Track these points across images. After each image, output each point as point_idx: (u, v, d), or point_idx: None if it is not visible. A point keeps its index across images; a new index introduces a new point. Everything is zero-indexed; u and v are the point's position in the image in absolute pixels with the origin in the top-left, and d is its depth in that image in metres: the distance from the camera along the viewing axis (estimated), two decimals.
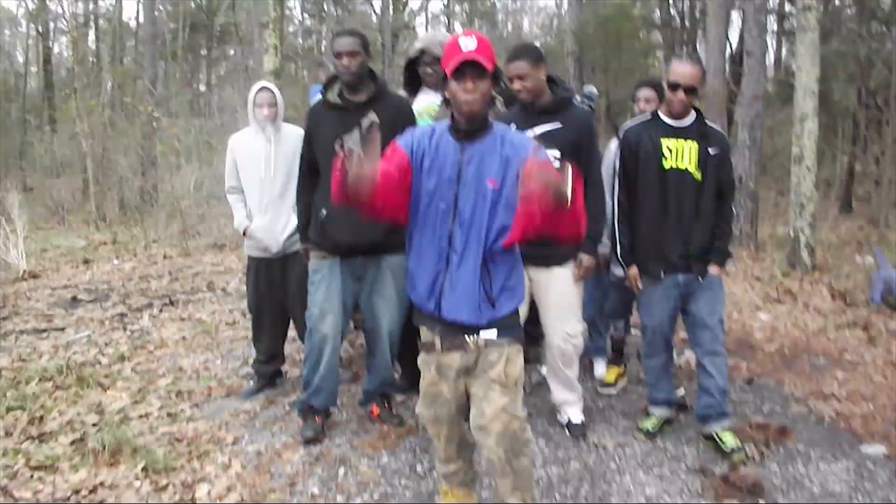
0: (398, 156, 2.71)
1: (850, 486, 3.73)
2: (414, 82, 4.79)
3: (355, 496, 3.62)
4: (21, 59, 35.50)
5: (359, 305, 4.33)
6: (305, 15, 32.85)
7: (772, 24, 20.95)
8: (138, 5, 28.63)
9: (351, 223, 3.84)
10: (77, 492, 3.62)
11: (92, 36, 31.00)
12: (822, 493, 3.65)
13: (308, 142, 4.23)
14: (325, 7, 30.16)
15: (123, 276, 9.47)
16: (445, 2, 31.17)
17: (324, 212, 4.03)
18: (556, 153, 3.90)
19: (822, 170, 17.02)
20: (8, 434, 4.35)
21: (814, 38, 8.81)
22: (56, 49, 32.27)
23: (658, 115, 4.15)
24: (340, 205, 2.58)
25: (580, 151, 4.02)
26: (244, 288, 5.64)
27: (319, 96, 4.31)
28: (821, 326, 6.60)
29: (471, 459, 3.24)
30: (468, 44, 2.67)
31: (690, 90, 3.95)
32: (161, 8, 26.85)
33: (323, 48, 29.20)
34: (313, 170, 4.18)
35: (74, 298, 8.12)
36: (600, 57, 21.17)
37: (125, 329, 6.83)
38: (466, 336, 2.81)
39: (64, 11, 27.94)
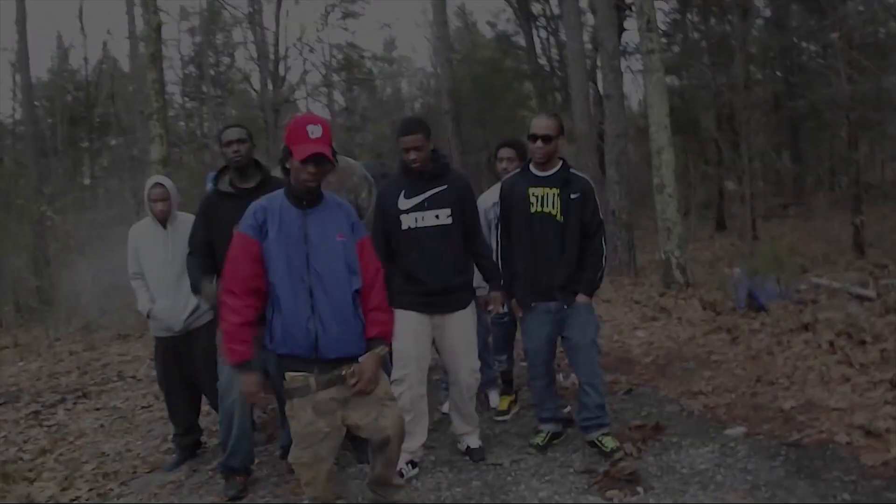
0: (250, 250, 3.30)
1: (715, 463, 4.28)
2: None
3: None
4: None
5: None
6: (185, 98, 32.99)
7: (637, 63, 22.23)
8: (14, 103, 28.34)
9: None
10: None
11: None
12: (691, 473, 4.19)
13: (203, 226, 4.60)
14: (205, 88, 30.36)
15: (31, 375, 9.57)
16: (323, 73, 31.73)
17: (214, 283, 4.40)
18: (448, 210, 4.49)
19: (698, 193, 18.11)
20: None
21: (660, 78, 9.66)
22: None
23: (528, 167, 4.72)
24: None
25: (464, 208, 4.59)
26: (154, 373, 5.94)
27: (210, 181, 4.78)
28: (691, 335, 7.28)
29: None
30: (315, 133, 3.28)
31: (546, 139, 4.52)
32: (37, 103, 26.72)
33: (205, 130, 29.42)
34: (208, 251, 4.55)
35: None
36: (476, 112, 22.02)
37: (41, 425, 7.02)
38: (345, 370, 3.33)
39: None
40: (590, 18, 18.33)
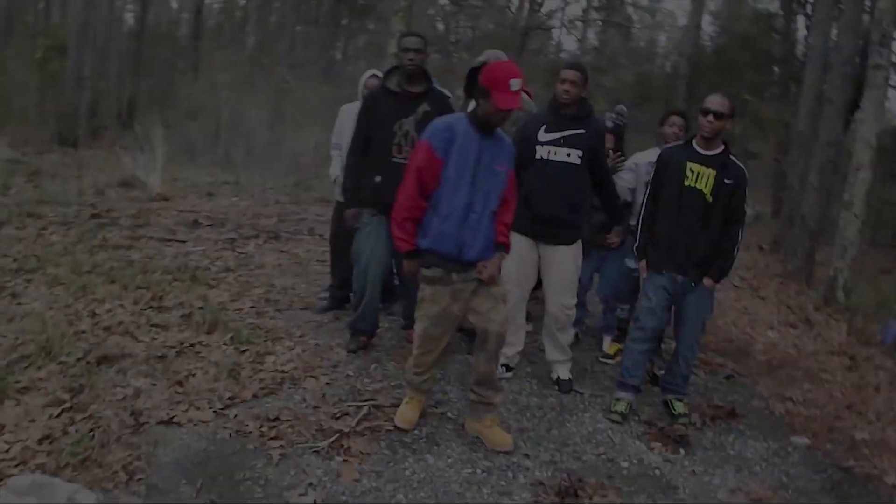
0: (434, 165, 3.97)
1: (762, 458, 4.65)
2: (472, 89, 5.66)
3: (376, 383, 4.92)
4: (175, 6, 37.97)
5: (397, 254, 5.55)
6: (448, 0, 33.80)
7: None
8: None
9: (398, 188, 5.07)
10: (181, 343, 5.00)
11: None
12: (735, 457, 4.61)
13: (366, 119, 5.25)
14: None
15: (239, 210, 10.91)
16: (584, 8, 31.67)
17: (377, 178, 5.12)
18: (580, 153, 5.03)
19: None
20: (135, 303, 5.75)
21: (880, 95, 9.56)
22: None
23: (692, 142, 5.00)
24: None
25: (596, 154, 5.13)
26: None
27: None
28: (815, 350, 7.39)
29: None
30: (515, 85, 3.90)
31: (718, 115, 4.75)
32: None
33: (458, 35, 30.30)
34: (367, 142, 5.23)
35: (196, 221, 9.59)
36: (712, 84, 21.61)
37: (233, 250, 8.25)
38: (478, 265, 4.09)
39: None
40: None
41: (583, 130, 5.09)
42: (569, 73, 5.06)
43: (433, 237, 4.01)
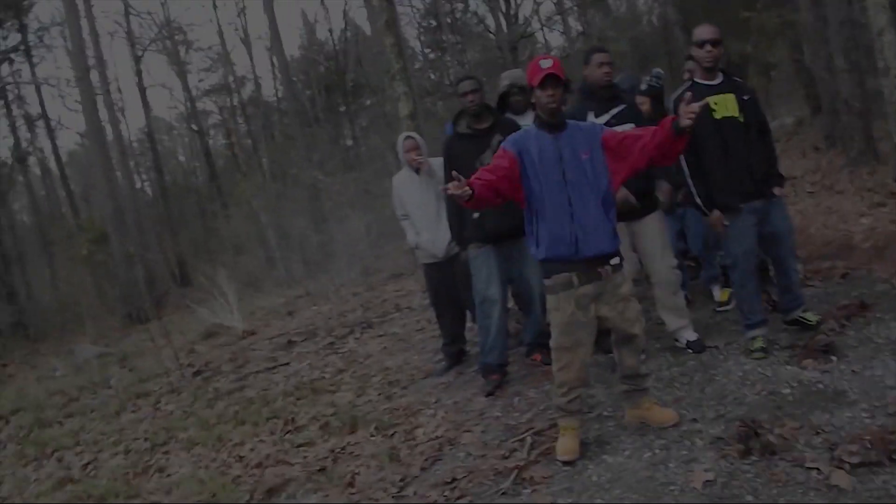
0: (508, 157, 3.96)
1: None
2: (503, 110, 5.93)
3: (525, 413, 4.91)
4: (183, 158, 39.12)
5: (510, 279, 5.60)
6: (427, 50, 34.28)
7: None
8: (275, 83, 31.03)
9: (496, 215, 5.20)
10: (332, 451, 5.04)
11: (241, 121, 33.83)
12: (886, 343, 4.57)
13: (449, 165, 5.43)
14: (444, 37, 31.49)
15: (323, 316, 11.05)
16: (555, 1, 31.86)
17: (475, 214, 5.30)
18: (632, 125, 5.03)
19: None
20: (272, 434, 5.83)
21: None
22: (212, 143, 35.26)
23: (695, 81, 5.05)
24: (468, 207, 3.95)
25: (641, 122, 5.18)
26: (425, 302, 6.97)
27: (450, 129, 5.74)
28: None
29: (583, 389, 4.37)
30: (546, 63, 4.00)
31: (715, 42, 4.89)
32: (294, 79, 29.15)
33: (450, 77, 30.62)
34: None
35: (289, 342, 9.71)
36: (704, 19, 21.38)
37: (336, 353, 8.33)
38: (599, 268, 4.00)
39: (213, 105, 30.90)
40: None
41: (624, 105, 5.29)
42: (602, 56, 5.28)
43: (546, 244, 4.00)
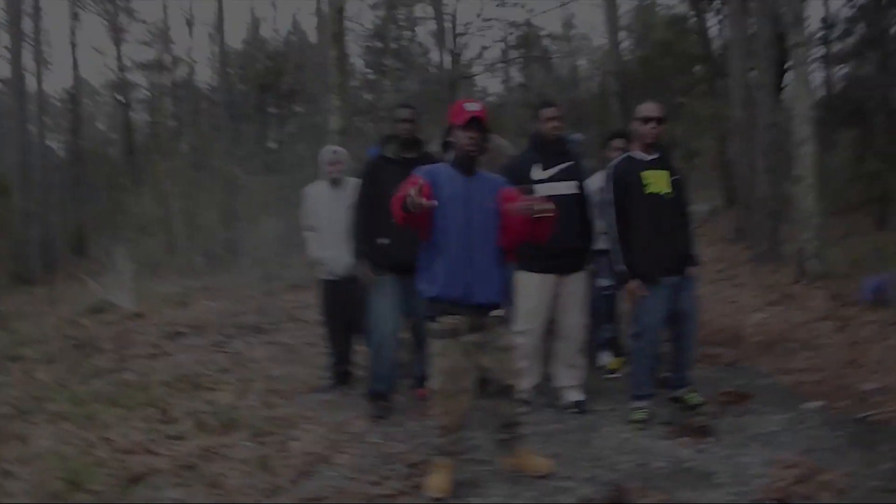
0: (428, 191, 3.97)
1: (784, 428, 4.87)
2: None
3: (404, 443, 4.98)
4: (103, 128, 38.13)
5: (407, 312, 5.65)
6: (368, 69, 34.28)
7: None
8: (212, 71, 30.64)
9: (406, 247, 5.20)
10: (203, 449, 4.98)
11: (169, 102, 33.19)
12: (760, 434, 4.81)
13: (369, 185, 5.52)
14: (386, 61, 31.51)
15: (216, 313, 10.87)
16: (502, 49, 32.29)
17: (385, 240, 5.34)
18: (576, 182, 5.35)
19: (872, 187, 17.49)
20: (145, 421, 5.73)
21: (804, 72, 9.92)
22: (135, 117, 34.49)
23: (631, 154, 5.30)
24: (400, 222, 3.91)
25: (584, 181, 5.47)
26: (320, 317, 6.95)
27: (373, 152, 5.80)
28: (805, 320, 7.67)
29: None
30: (472, 106, 4.11)
31: (659, 120, 5.15)
32: (231, 71, 28.82)
33: (386, 101, 30.66)
34: (370, 209, 5.48)
35: (177, 332, 9.55)
36: (643, 95, 21.97)
37: (223, 352, 8.22)
38: (485, 317, 4.09)
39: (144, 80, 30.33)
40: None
41: (572, 161, 5.43)
42: (552, 111, 5.43)
43: (441, 284, 4.06)
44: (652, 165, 5.18)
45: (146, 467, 4.71)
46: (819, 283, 9.61)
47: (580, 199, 5.41)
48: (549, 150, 5.40)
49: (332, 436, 5.15)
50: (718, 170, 19.60)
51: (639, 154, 5.23)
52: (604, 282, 6.21)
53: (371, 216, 5.51)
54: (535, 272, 5.29)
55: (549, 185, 5.27)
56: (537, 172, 5.30)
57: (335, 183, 6.29)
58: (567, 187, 5.31)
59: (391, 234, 5.30)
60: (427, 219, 3.94)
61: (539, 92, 30.42)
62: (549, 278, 5.35)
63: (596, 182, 5.89)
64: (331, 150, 6.46)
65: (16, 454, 5.19)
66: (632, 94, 21.35)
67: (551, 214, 3.84)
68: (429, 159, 5.48)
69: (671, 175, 5.20)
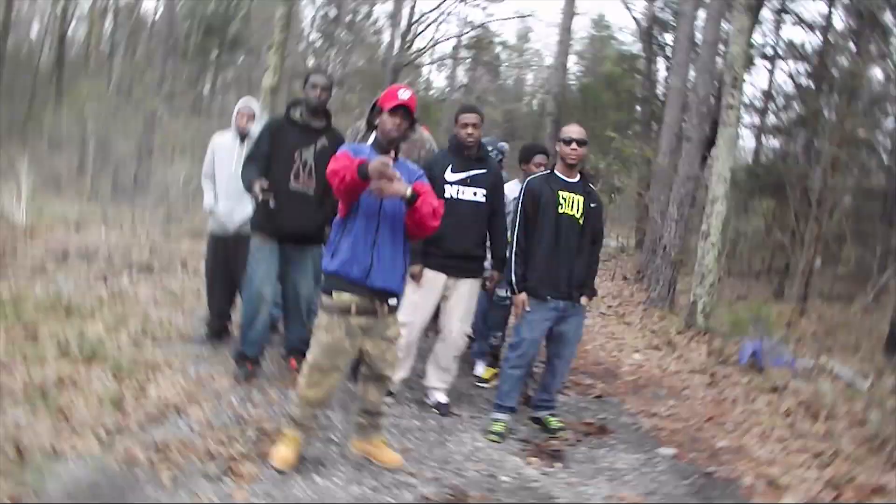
0: (357, 161, 3.94)
1: (633, 468, 5.00)
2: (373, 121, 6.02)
3: (260, 409, 5.02)
4: (35, 34, 36.84)
5: (282, 280, 5.64)
6: (318, 34, 33.93)
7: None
8: (157, 2, 29.96)
9: (293, 215, 5.25)
10: (60, 377, 4.92)
11: (108, 23, 32.33)
12: (608, 468, 4.96)
13: (267, 143, 5.37)
14: (337, 31, 31.32)
15: (109, 244, 10.67)
16: (453, 45, 32.36)
17: (272, 204, 5.21)
18: (484, 191, 5.43)
19: (777, 257, 18.10)
20: (8, 337, 5.63)
21: (731, 134, 10.26)
22: (70, 31, 33.48)
23: (554, 172, 5.37)
24: (339, 190, 3.92)
25: (496, 191, 5.54)
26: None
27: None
28: (678, 370, 7.93)
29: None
30: (404, 94, 4.17)
31: (582, 143, 5.22)
32: (178, 6, 28.20)
33: (329, 69, 30.44)
34: (265, 164, 5.34)
35: (65, 255, 9.37)
36: (577, 121, 22.11)
37: (106, 284, 8.12)
38: (379, 303, 4.13)
39: None
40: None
41: (485, 170, 5.50)
42: (470, 117, 5.46)
43: (342, 260, 4.06)
44: (570, 188, 5.27)
45: None
46: (702, 338, 9.89)
47: (486, 208, 5.48)
48: (466, 154, 5.47)
49: (192, 388, 5.16)
50: (635, 210, 20.07)
51: (561, 174, 5.32)
52: (501, 292, 6.33)
53: (261, 171, 5.31)
54: (429, 269, 5.38)
55: (457, 188, 5.39)
56: (449, 174, 5.40)
57: (243, 137, 6.22)
58: (475, 194, 5.42)
59: (280, 199, 5.20)
60: (357, 195, 3.97)
61: (480, 96, 30.66)
62: (440, 277, 5.44)
63: (514, 192, 5.96)
64: (245, 103, 6.37)
65: None
66: (567, 118, 21.68)
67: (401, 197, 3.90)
68: (332, 132, 5.54)
69: (588, 202, 5.28)
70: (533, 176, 5.53)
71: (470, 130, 5.43)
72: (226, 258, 6.32)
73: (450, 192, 5.35)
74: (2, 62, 26.17)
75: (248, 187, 5.24)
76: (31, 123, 22.45)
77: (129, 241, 11.11)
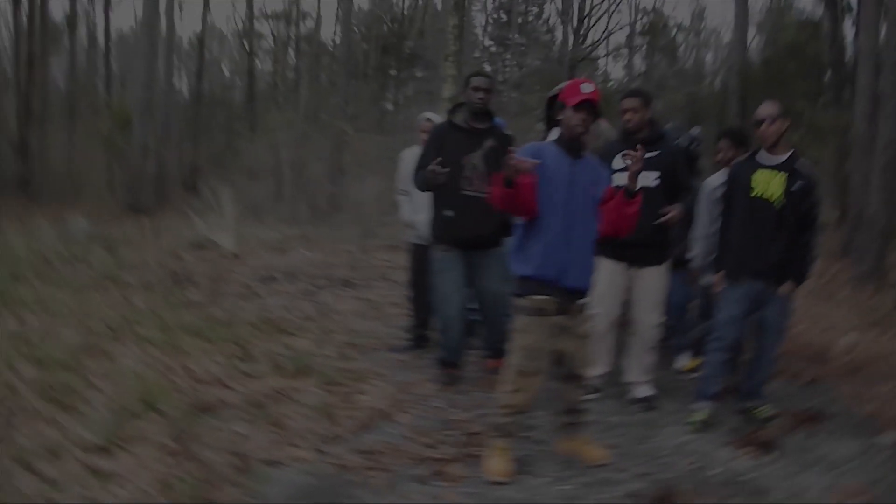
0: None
1: (850, 455, 4.66)
2: (551, 117, 5.85)
3: (466, 412, 5.05)
4: (227, 73, 39.19)
5: (471, 285, 5.64)
6: (490, 42, 34.22)
7: None
8: (336, 28, 31.10)
9: (470, 223, 5.25)
10: (274, 390, 5.15)
11: (291, 54, 33.91)
12: (823, 457, 4.64)
13: (434, 151, 5.29)
14: (509, 35, 31.46)
15: (310, 263, 11.14)
16: (627, 34, 31.86)
17: (449, 213, 5.28)
18: (657, 174, 5.20)
19: None
20: (224, 356, 5.94)
21: None
22: (258, 65, 35.33)
23: (754, 155, 5.10)
24: (499, 205, 3.94)
25: (674, 173, 5.30)
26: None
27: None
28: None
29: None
30: (587, 88, 4.08)
31: (765, 121, 4.91)
32: (356, 30, 29.17)
33: (505, 75, 30.61)
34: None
35: (271, 276, 9.83)
36: (765, 96, 21.18)
37: (311, 301, 8.44)
38: (573, 302, 4.10)
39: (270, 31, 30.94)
40: None
41: (658, 152, 5.24)
42: (627, 102, 5.32)
43: (536, 264, 4.03)
44: (767, 169, 4.96)
45: (217, 399, 4.91)
46: None
47: (660, 192, 5.23)
48: (633, 139, 5.17)
49: (399, 395, 5.28)
50: (835, 183, 18.96)
51: (761, 155, 5.03)
52: (708, 280, 6.05)
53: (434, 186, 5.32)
54: (607, 258, 5.21)
55: (624, 175, 5.18)
56: (618, 162, 5.14)
57: None
58: (646, 178, 5.08)
59: (456, 206, 5.24)
60: (528, 197, 3.91)
61: (659, 82, 29.92)
62: (621, 266, 5.30)
63: (716, 181, 5.81)
64: (425, 117, 6.49)
65: (102, 369, 5.47)
66: (752, 95, 20.76)
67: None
68: (498, 133, 5.47)
69: (792, 184, 4.90)
70: (738, 160, 5.33)
71: (628, 115, 5.29)
72: (426, 267, 6.39)
73: (618, 180, 5.06)
74: (200, 101, 27.98)
75: (424, 187, 5.32)
76: (229, 155, 23.79)
77: (329, 259, 11.52)
